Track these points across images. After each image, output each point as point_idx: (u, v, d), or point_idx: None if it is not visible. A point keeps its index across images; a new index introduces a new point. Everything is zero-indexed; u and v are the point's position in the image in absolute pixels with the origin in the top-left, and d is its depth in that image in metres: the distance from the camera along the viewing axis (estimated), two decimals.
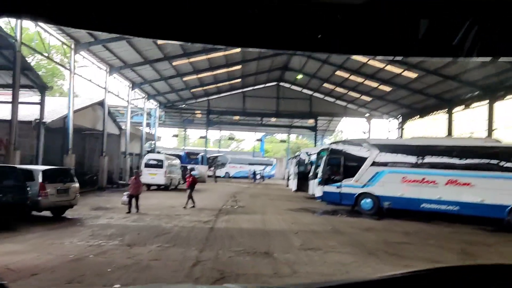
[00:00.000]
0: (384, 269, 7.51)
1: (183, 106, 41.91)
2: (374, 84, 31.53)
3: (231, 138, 65.55)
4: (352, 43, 1.44)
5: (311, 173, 22.67)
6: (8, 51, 15.26)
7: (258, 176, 43.93)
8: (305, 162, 25.93)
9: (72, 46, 19.81)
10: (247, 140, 63.79)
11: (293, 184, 26.60)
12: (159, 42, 22.64)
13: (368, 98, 36.16)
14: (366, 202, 16.65)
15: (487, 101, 24.83)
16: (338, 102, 40.49)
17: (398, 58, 24.13)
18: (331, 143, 20.17)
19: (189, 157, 44.15)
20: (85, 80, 23.11)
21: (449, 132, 28.29)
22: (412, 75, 26.73)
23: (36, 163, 16.78)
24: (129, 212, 13.84)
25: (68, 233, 9.82)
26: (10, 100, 14.84)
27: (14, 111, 14.72)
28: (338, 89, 36.59)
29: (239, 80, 37.21)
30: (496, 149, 15.35)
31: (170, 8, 1.31)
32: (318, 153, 21.47)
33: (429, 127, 33.44)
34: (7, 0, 1.20)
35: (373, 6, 1.28)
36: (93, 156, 26.93)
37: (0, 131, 16.92)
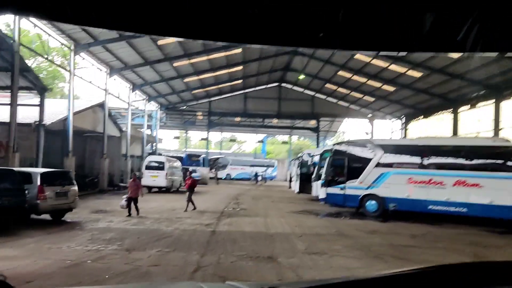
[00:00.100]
0: None
1: (184, 107, 41.70)
2: (377, 84, 31.23)
3: (232, 140, 65.23)
4: (355, 39, 1.43)
5: (314, 175, 22.36)
6: (6, 52, 15.02)
7: (259, 178, 43.64)
8: (308, 164, 25.63)
9: (72, 47, 19.60)
10: (248, 141, 63.49)
11: (295, 185, 26.30)
12: (160, 42, 22.45)
13: (371, 99, 35.86)
14: (371, 204, 16.34)
15: (493, 100, 24.52)
16: (341, 102, 40.20)
17: (402, 54, 23.86)
18: (334, 144, 19.88)
19: (190, 159, 43.90)
20: (85, 82, 22.97)
21: (455, 133, 27.96)
22: (416, 74, 26.41)
23: (36, 166, 16.55)
24: (129, 215, 13.59)
25: (66, 237, 9.57)
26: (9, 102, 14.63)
27: (13, 113, 14.51)
28: (341, 90, 36.30)
29: (240, 81, 36.98)
30: (505, 149, 15.02)
31: (171, 5, 1.30)
32: (321, 154, 21.19)
33: (433, 128, 33.11)
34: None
35: (376, 1, 1.27)
36: (94, 159, 26.71)
37: (0, 134, 16.70)
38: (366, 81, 31.29)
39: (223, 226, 12.57)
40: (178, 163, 29.49)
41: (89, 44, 20.18)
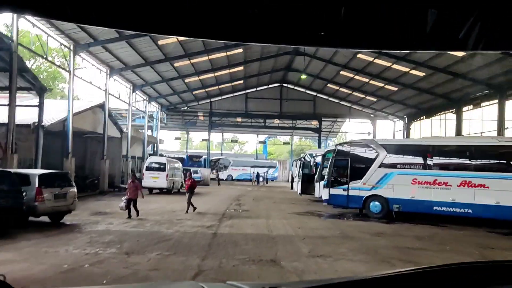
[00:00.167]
0: None
1: (185, 108, 41.49)
2: (379, 84, 31.00)
3: (234, 141, 65.04)
4: (356, 37, 1.40)
5: (316, 175, 22.12)
6: (4, 52, 14.80)
7: (261, 179, 43.38)
8: (310, 164, 25.37)
9: (71, 47, 19.40)
10: (250, 142, 63.34)
11: (297, 186, 26.03)
12: (160, 42, 22.24)
13: (373, 99, 35.63)
14: (375, 205, 16.08)
15: (497, 100, 24.24)
16: (343, 103, 39.98)
17: (405, 52, 23.68)
18: (337, 144, 19.61)
19: (191, 160, 43.76)
20: (86, 83, 22.77)
21: (458, 133, 27.68)
22: (419, 73, 26.17)
23: (35, 167, 16.35)
24: (129, 217, 13.36)
25: (64, 240, 9.33)
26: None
27: (11, 114, 14.30)
28: (343, 90, 36.08)
29: (241, 81, 36.75)
30: (511, 149, 14.75)
31: (172, 3, 1.28)
32: (324, 155, 20.95)
33: (436, 128, 32.86)
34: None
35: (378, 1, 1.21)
36: (94, 160, 26.51)
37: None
38: (369, 81, 31.06)
39: (224, 228, 12.33)
40: (179, 164, 29.26)
41: (88, 44, 19.97)
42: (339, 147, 17.90)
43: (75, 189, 12.23)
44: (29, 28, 19.65)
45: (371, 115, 40.58)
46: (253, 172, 45.22)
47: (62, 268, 6.92)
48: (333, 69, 31.28)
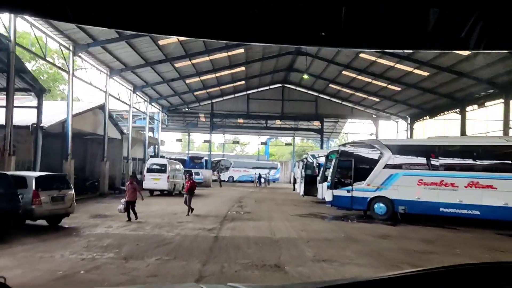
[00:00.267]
0: None
1: (186, 109, 41.24)
2: (382, 84, 30.68)
3: (235, 142, 64.73)
4: (357, 37, 1.38)
5: (319, 177, 21.80)
6: (2, 52, 14.55)
7: (262, 180, 43.05)
8: (313, 165, 25.07)
9: (70, 48, 19.15)
10: (251, 143, 63.03)
11: (300, 188, 25.72)
12: (160, 42, 21.98)
13: (376, 99, 35.31)
14: (380, 207, 15.76)
15: (502, 99, 23.91)
16: (345, 103, 39.69)
17: (408, 52, 23.37)
18: (340, 145, 19.29)
19: (193, 162, 43.48)
20: (86, 84, 22.50)
21: (462, 133, 27.32)
22: (423, 73, 25.84)
23: (34, 169, 16.09)
24: (129, 220, 13.07)
25: (61, 245, 9.04)
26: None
27: (9, 116, 14.03)
28: (345, 90, 35.77)
29: (243, 82, 36.49)
30: None
31: (172, 3, 1.31)
32: (327, 156, 20.62)
33: (439, 128, 32.53)
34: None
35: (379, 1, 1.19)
36: (94, 162, 26.23)
37: None
38: (371, 81, 30.76)
39: (226, 231, 12.03)
40: (180, 166, 28.97)
41: (88, 45, 19.72)
42: (343, 148, 17.58)
43: (73, 192, 11.94)
44: (27, 29, 19.35)
45: (374, 116, 40.27)
46: (255, 174, 44.92)
47: (56, 275, 6.63)
48: (335, 69, 30.98)
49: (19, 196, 10.00)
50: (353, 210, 16.75)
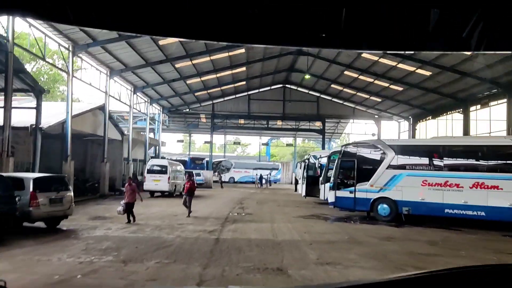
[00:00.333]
0: None
1: (187, 110, 41.06)
2: (384, 84, 30.46)
3: (236, 143, 64.53)
4: (358, 38, 1.36)
5: (321, 177, 21.58)
6: (1, 53, 14.37)
7: (263, 181, 42.83)
8: (315, 166, 24.85)
9: (70, 48, 18.98)
10: (252, 144, 62.84)
11: (302, 189, 25.50)
12: (161, 42, 21.81)
13: (377, 99, 35.10)
14: (383, 208, 15.54)
15: (506, 99, 23.66)
16: (347, 103, 39.48)
17: (409, 52, 23.20)
18: (343, 145, 19.06)
19: (194, 163, 43.31)
20: (86, 85, 22.35)
21: (465, 133, 27.07)
22: (425, 73, 25.61)
23: (33, 171, 15.91)
24: (128, 221, 12.87)
25: (59, 248, 8.85)
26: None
27: (7, 116, 13.85)
28: (347, 90, 35.56)
29: (244, 82, 36.30)
30: None
31: (172, 5, 1.25)
32: (330, 156, 20.41)
33: (442, 128, 32.28)
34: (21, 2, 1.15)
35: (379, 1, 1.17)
36: (95, 163, 26.07)
37: None
38: (373, 81, 30.54)
39: (227, 233, 11.83)
40: (181, 167, 28.77)
41: (87, 45, 19.55)
42: (345, 148, 17.36)
43: (72, 193, 11.75)
44: (26, 29, 19.17)
45: (376, 116, 40.04)
46: (256, 174, 44.70)
47: (52, 279, 6.45)
48: (337, 69, 30.77)
49: (16, 198, 9.80)
50: (356, 211, 16.53)
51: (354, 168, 16.26)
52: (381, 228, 13.84)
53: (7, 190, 9.63)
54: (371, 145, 16.91)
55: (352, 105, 39.50)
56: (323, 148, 40.40)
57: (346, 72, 30.63)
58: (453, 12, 1.32)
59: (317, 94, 39.63)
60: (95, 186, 23.65)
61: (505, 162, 14.60)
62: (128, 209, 12.92)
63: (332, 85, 35.52)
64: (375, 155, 16.11)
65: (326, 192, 18.97)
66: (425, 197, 14.81)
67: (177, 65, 26.60)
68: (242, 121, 42.29)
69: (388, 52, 21.42)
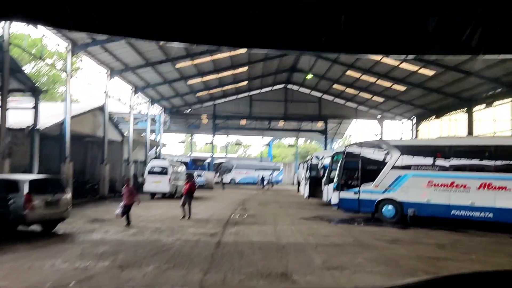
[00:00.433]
0: None
1: (188, 111, 40.75)
2: (387, 84, 30.11)
3: (238, 144, 64.23)
4: (358, 42, 1.56)
5: (324, 178, 21.21)
6: None
7: (265, 182, 42.50)
8: (317, 167, 24.48)
9: (69, 48, 18.67)
10: (254, 145, 62.50)
11: (305, 190, 25.13)
12: (161, 42, 21.47)
13: (380, 99, 34.73)
14: (388, 209, 15.17)
15: (510, 99, 23.29)
16: (349, 104, 39.14)
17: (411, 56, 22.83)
18: (347, 145, 18.69)
19: (195, 164, 43.02)
20: (86, 86, 22.09)
21: (469, 133, 26.69)
22: (429, 72, 25.25)
23: (30, 172, 15.57)
24: (129, 224, 12.53)
25: (53, 253, 8.50)
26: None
27: (3, 117, 13.56)
28: (349, 90, 35.21)
29: (245, 83, 35.99)
30: None
31: (173, 11, 1.41)
32: (333, 157, 20.05)
33: (445, 128, 31.91)
34: (7, 4, 1.22)
35: (378, 4, 1.25)
36: (95, 164, 25.72)
37: None
38: (376, 81, 30.20)
39: (229, 236, 11.48)
40: (182, 168, 28.42)
41: (87, 45, 19.25)
42: (349, 149, 16.99)
43: (69, 195, 11.39)
44: (25, 29, 18.91)
45: (378, 116, 39.67)
46: (258, 176, 44.36)
47: (43, 287, 6.10)
48: (339, 69, 30.43)
49: (8, 201, 9.47)
50: (360, 212, 16.17)
51: (358, 168, 15.90)
52: (386, 230, 13.48)
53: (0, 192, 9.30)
54: (376, 145, 16.55)
55: (355, 105, 39.17)
56: (325, 148, 40.10)
57: (348, 72, 30.30)
58: (452, 15, 1.39)
59: (319, 95, 39.30)
60: (94, 188, 23.31)
61: None
62: (126, 212, 12.56)
63: (334, 85, 35.19)
64: (379, 155, 15.75)
65: (330, 193, 18.60)
66: (431, 198, 14.44)
67: (178, 65, 26.31)
68: (243, 121, 41.97)
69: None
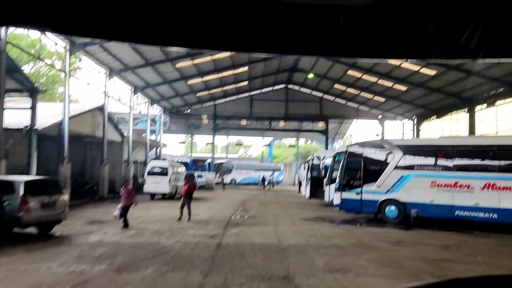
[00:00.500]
0: None
1: (188, 111, 40.55)
2: (388, 84, 29.91)
3: (238, 144, 64.02)
4: (356, 46, 1.57)
5: (326, 179, 21.01)
6: None
7: (266, 182, 42.30)
8: (319, 167, 24.27)
9: (67, 47, 18.49)
10: (255, 145, 62.31)
11: (306, 190, 24.92)
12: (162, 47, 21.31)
13: (381, 99, 34.53)
14: (391, 210, 14.97)
15: None
16: (350, 104, 38.94)
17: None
18: (348, 145, 18.47)
19: (196, 164, 42.84)
20: (85, 86, 21.90)
21: (471, 133, 26.48)
22: (430, 72, 25.04)
23: (27, 174, 15.37)
24: (127, 226, 12.33)
25: (49, 255, 8.30)
26: None
27: (0, 117, 13.33)
28: (350, 90, 35.02)
29: (245, 82, 35.80)
30: None
31: (174, 16, 1.31)
32: (334, 157, 19.85)
33: (446, 128, 31.71)
34: (7, 11, 1.13)
35: (377, 8, 1.24)
36: (94, 165, 25.52)
37: None
38: (377, 81, 30.01)
39: (229, 237, 11.29)
40: (182, 168, 28.22)
41: (85, 44, 19.04)
42: (351, 148, 16.79)
43: (66, 197, 11.20)
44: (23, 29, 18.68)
45: (379, 116, 39.47)
46: (259, 176, 44.18)
47: None
48: (341, 68, 30.23)
49: (3, 202, 9.28)
50: (362, 213, 15.97)
51: (360, 168, 15.70)
52: (389, 231, 13.27)
53: None
54: (378, 145, 16.36)
55: (356, 105, 38.99)
56: (326, 148, 39.91)
57: (349, 72, 30.11)
58: (453, 20, 1.44)
59: (320, 94, 39.12)
60: (94, 189, 23.12)
61: None
62: (124, 213, 12.35)
63: (335, 85, 35.00)
64: (382, 155, 15.56)
65: (331, 194, 18.40)
66: (435, 198, 14.24)
67: (178, 65, 26.13)
68: (244, 122, 41.78)
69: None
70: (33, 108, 15.89)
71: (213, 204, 21.51)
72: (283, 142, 69.21)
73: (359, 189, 15.50)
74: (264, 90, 39.46)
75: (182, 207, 14.42)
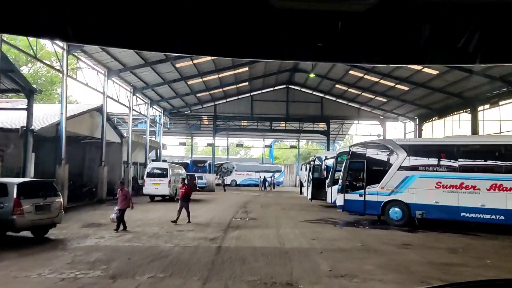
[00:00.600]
0: None
1: (188, 112, 40.22)
2: (390, 83, 29.59)
3: (239, 145, 63.68)
4: (355, 51, 1.32)
5: (328, 180, 20.65)
6: None
7: (267, 184, 41.94)
8: (320, 168, 23.93)
9: (64, 46, 18.18)
10: (255, 147, 61.92)
11: (307, 191, 24.57)
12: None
13: (383, 99, 34.20)
14: (395, 212, 14.62)
15: None
16: (351, 104, 38.60)
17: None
18: (351, 145, 18.14)
19: (196, 166, 42.47)
20: (84, 87, 21.47)
21: (474, 133, 26.13)
22: (432, 71, 24.70)
23: (24, 176, 15.04)
24: (124, 229, 12.00)
25: (42, 261, 7.97)
26: None
27: None
28: (351, 90, 34.68)
29: (246, 83, 35.46)
30: None
31: (174, 21, 1.24)
32: (337, 157, 19.50)
33: (449, 129, 31.36)
34: (6, 18, 1.07)
35: (376, 13, 1.17)
36: (93, 167, 25.17)
37: None
38: (379, 80, 29.67)
39: (230, 240, 10.96)
40: (182, 170, 27.88)
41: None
42: (354, 149, 16.45)
43: (61, 199, 10.87)
44: None
45: (381, 117, 39.14)
46: (259, 177, 43.85)
47: None
48: (342, 68, 29.90)
49: None
50: (365, 215, 15.63)
51: (364, 169, 15.38)
52: (394, 233, 12.93)
53: None
54: (381, 145, 16.03)
55: (357, 106, 38.65)
56: (328, 149, 39.58)
57: (351, 72, 29.78)
58: (451, 23, 1.24)
59: (321, 95, 38.78)
60: (92, 191, 22.78)
61: None
62: (120, 216, 12.02)
63: (337, 85, 34.66)
64: (385, 155, 15.23)
65: (333, 195, 18.07)
66: (440, 200, 13.89)
67: (177, 65, 25.80)
68: (245, 123, 41.43)
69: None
70: (29, 108, 15.56)
71: (213, 206, 21.18)
72: (284, 143, 68.85)
73: (362, 190, 15.17)
74: (264, 90, 39.12)
75: (179, 210, 14.09)
